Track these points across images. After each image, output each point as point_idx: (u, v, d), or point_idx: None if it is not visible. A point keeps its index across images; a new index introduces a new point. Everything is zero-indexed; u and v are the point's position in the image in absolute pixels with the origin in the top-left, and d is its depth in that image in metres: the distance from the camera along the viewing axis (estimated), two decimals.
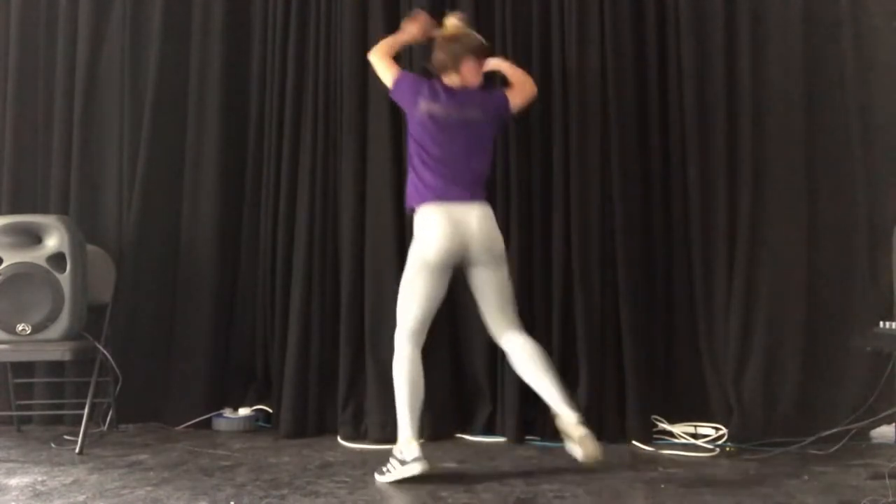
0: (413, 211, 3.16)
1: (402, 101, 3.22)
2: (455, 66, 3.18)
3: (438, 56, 3.21)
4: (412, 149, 3.17)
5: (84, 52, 4.17)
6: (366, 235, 3.85)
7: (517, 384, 3.57)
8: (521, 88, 3.33)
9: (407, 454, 2.94)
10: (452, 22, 3.30)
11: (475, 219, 3.06)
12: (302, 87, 4.00)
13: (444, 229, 3.01)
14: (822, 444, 3.31)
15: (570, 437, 3.00)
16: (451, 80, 3.20)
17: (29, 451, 3.50)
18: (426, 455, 2.97)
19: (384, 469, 2.99)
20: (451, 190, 3.06)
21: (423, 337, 3.15)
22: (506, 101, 3.27)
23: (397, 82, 3.21)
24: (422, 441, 3.57)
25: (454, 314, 3.76)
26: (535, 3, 3.80)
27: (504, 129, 3.51)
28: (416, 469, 2.91)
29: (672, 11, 3.71)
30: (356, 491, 2.80)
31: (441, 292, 3.12)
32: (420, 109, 3.11)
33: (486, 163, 3.21)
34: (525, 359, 3.10)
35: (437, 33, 3.31)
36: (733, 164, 3.64)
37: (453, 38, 3.22)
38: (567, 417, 2.99)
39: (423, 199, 3.06)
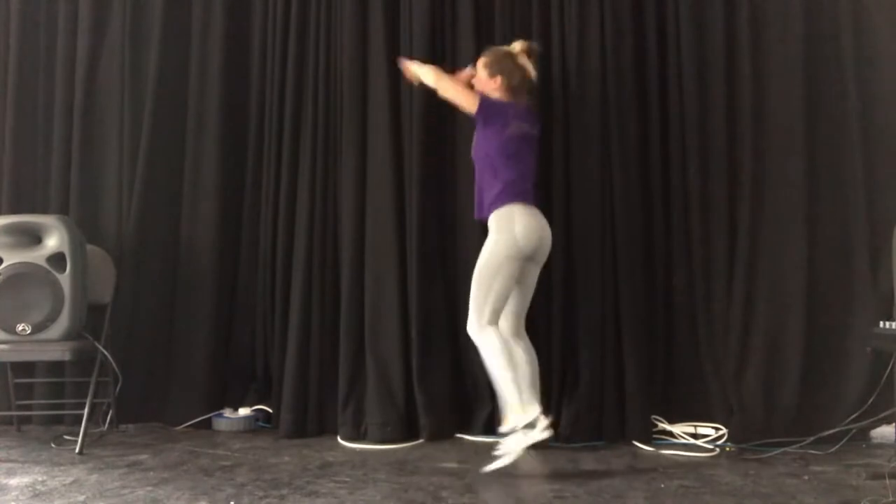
0: (489, 214, 3.27)
1: (493, 121, 3.28)
2: (523, 88, 3.38)
3: (515, 74, 3.34)
4: (497, 159, 3.26)
5: (84, 53, 4.17)
6: (366, 235, 3.84)
7: None
8: None
9: (531, 414, 3.01)
10: (524, 44, 3.42)
11: (544, 221, 3.31)
12: (302, 88, 3.99)
13: (536, 224, 3.24)
14: (822, 444, 3.31)
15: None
16: (517, 98, 3.36)
17: (29, 451, 3.49)
18: (426, 455, 2.97)
19: (499, 453, 3.02)
20: (532, 197, 3.30)
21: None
22: None
23: (486, 105, 3.29)
24: (422, 441, 3.59)
25: (454, 313, 3.76)
26: (535, 4, 3.80)
27: None
28: (542, 433, 2.98)
29: (672, 11, 3.71)
30: (356, 491, 2.80)
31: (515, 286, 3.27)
32: (512, 129, 3.28)
33: None
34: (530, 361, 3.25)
35: (506, 49, 3.43)
36: (733, 164, 3.64)
37: (523, 63, 3.38)
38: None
39: (515, 199, 3.23)
